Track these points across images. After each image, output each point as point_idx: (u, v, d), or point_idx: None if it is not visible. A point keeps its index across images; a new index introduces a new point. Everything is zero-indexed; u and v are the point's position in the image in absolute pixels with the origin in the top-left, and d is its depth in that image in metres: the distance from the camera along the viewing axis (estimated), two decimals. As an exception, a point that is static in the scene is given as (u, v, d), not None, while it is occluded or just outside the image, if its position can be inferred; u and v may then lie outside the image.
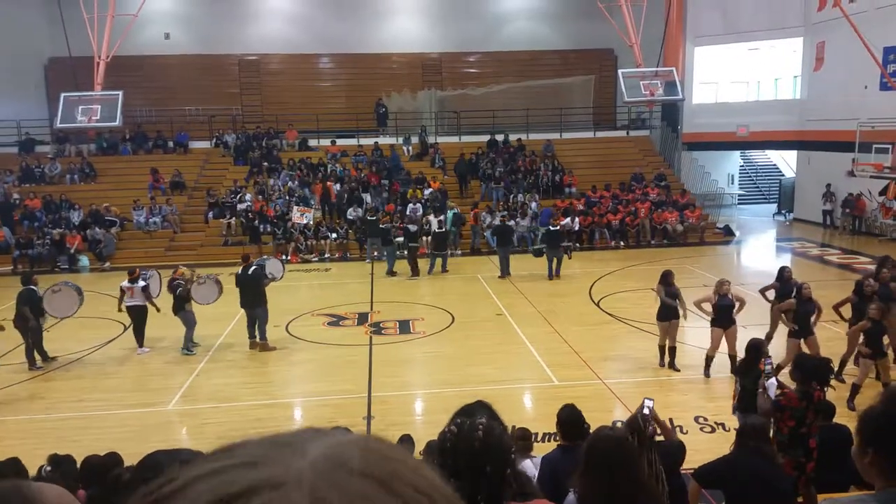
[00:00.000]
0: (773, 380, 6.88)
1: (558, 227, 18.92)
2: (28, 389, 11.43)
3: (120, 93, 21.54)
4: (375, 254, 21.03)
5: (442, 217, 20.32)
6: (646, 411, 6.00)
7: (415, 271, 18.97)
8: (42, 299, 12.41)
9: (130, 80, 26.02)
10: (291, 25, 30.78)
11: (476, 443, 2.04)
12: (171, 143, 27.57)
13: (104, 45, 21.87)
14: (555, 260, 18.42)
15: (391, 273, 19.39)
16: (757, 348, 7.70)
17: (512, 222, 21.86)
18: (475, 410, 2.48)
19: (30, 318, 12.03)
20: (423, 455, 6.29)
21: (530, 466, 5.49)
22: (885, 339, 9.87)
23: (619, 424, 6.82)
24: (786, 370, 8.28)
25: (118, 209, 23.31)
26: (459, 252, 21.89)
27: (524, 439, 6.03)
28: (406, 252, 19.36)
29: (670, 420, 8.57)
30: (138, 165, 26.35)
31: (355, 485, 0.59)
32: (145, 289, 12.97)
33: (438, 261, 19.43)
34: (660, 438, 6.13)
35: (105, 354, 13.19)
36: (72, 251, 21.47)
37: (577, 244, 23.09)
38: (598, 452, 3.07)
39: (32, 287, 12.32)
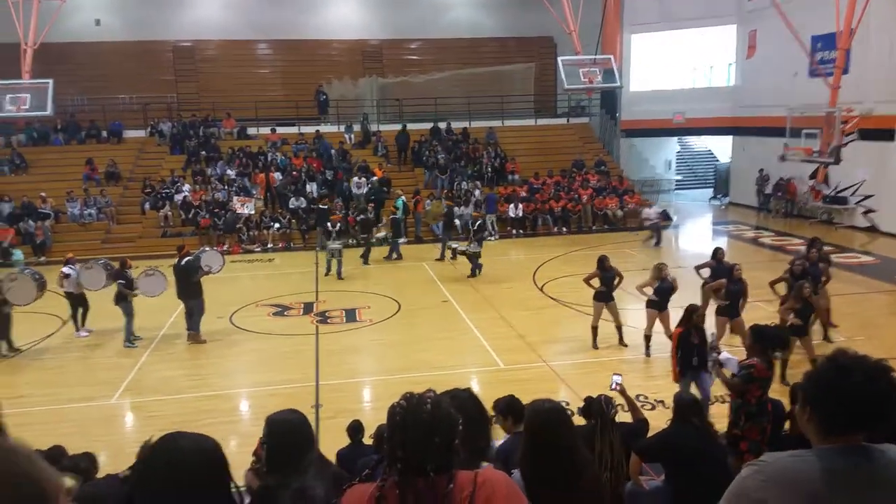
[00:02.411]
0: (725, 353, 7.16)
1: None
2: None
3: (50, 81, 20.83)
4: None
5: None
6: (614, 386, 6.20)
7: (367, 260, 19.07)
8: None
9: (61, 68, 25.14)
10: (227, 11, 30.16)
11: (424, 415, 2.12)
12: (104, 133, 26.76)
13: (31, 32, 21.10)
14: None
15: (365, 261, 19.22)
16: (694, 311, 8.49)
17: (456, 209, 21.98)
18: (460, 394, 2.61)
19: None
20: (374, 438, 6.37)
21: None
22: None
23: (575, 411, 7.02)
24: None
25: (53, 201, 22.57)
26: (405, 240, 21.93)
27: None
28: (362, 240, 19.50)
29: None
30: (71, 156, 25.51)
31: None
32: (66, 276, 13.20)
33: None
34: (626, 417, 6.35)
35: (44, 349, 12.85)
36: (5, 245, 20.70)
37: (521, 230, 23.42)
38: (535, 423, 3.19)
39: None
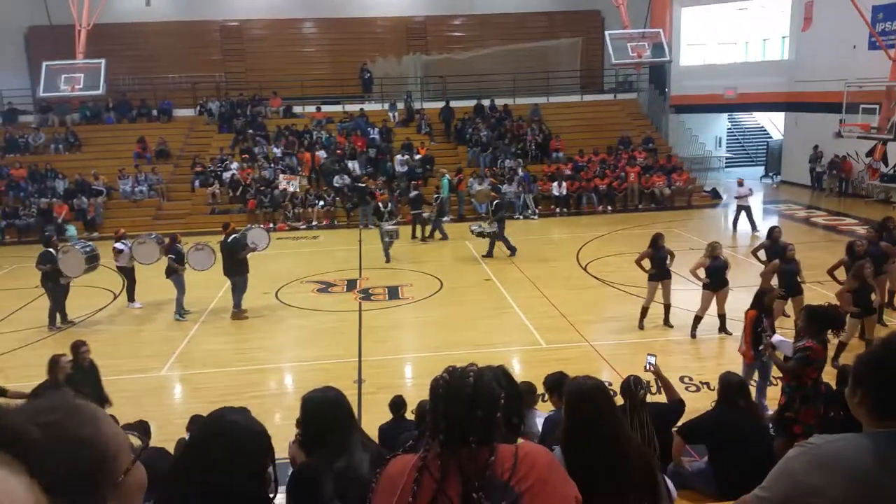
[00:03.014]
0: (777, 336, 6.99)
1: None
2: (20, 357, 11.46)
3: (102, 61, 21.22)
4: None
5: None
6: (648, 367, 6.14)
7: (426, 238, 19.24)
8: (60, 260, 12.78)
9: (112, 49, 25.61)
10: (273, -10, 30.28)
11: (468, 388, 2.12)
12: (154, 112, 27.29)
13: (84, 13, 21.50)
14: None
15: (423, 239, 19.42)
16: (765, 293, 8.31)
17: (502, 187, 21.90)
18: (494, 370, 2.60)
19: (49, 278, 12.66)
20: (415, 414, 6.42)
21: (535, 421, 5.67)
22: (874, 297, 9.99)
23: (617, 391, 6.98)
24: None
25: (105, 178, 23.17)
26: (448, 218, 21.92)
27: (530, 393, 6.14)
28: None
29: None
30: (122, 134, 26.10)
31: None
32: (119, 252, 13.67)
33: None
34: (659, 398, 6.28)
35: (97, 321, 13.26)
36: (59, 220, 21.35)
37: (565, 209, 23.21)
38: (576, 400, 3.15)
39: (50, 250, 12.78)
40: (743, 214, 19.48)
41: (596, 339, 11.27)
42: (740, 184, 20.08)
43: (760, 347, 7.21)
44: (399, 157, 24.19)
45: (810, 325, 6.31)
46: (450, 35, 31.72)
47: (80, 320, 13.21)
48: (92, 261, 13.36)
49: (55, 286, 12.75)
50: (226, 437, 2.32)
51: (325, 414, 3.18)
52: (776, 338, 6.90)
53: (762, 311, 8.07)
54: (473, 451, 2.10)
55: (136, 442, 1.29)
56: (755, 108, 31.16)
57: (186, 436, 6.04)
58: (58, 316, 12.90)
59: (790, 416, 6.15)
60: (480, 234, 17.41)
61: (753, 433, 5.27)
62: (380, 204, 18.41)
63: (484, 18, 31.40)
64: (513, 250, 17.09)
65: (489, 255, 17.10)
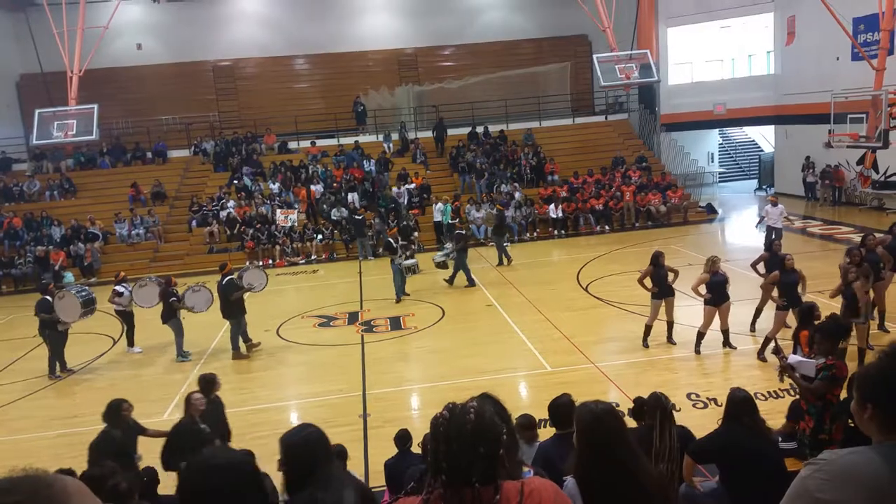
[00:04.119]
0: (794, 356, 6.79)
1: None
2: (20, 409, 11.37)
3: (95, 106, 21.35)
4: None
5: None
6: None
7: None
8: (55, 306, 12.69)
9: (105, 93, 25.84)
10: (264, 29, 30.63)
11: (468, 425, 2.08)
12: (149, 154, 27.40)
13: (76, 59, 21.67)
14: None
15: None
16: (812, 309, 8.16)
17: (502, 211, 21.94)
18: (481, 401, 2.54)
19: (47, 326, 12.60)
20: (421, 447, 6.36)
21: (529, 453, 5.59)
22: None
23: (626, 412, 6.98)
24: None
25: (101, 223, 23.18)
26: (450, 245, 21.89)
27: (529, 427, 6.03)
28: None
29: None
30: (118, 178, 26.20)
31: None
32: (119, 294, 13.63)
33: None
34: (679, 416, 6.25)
35: (96, 368, 13.17)
36: (56, 268, 21.32)
37: (562, 231, 23.25)
38: (588, 427, 3.12)
39: (47, 297, 12.72)
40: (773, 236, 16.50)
41: (601, 360, 11.20)
42: (774, 203, 17.25)
43: (776, 369, 7.01)
44: (395, 189, 24.26)
45: (828, 341, 6.22)
46: (441, 65, 32.06)
47: (79, 367, 13.12)
48: (88, 304, 13.22)
49: (53, 333, 12.66)
50: (207, 477, 2.26)
51: (302, 455, 3.08)
52: (794, 358, 6.68)
53: (814, 329, 7.55)
54: (477, 492, 2.05)
55: None
56: (745, 122, 31.35)
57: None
58: (57, 364, 12.80)
59: (825, 438, 6.03)
60: (440, 265, 17.28)
61: (763, 450, 5.22)
62: (391, 239, 16.90)
63: (473, 48, 31.75)
64: (471, 282, 16.88)
65: (450, 281, 17.09)
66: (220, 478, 2.23)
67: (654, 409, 5.21)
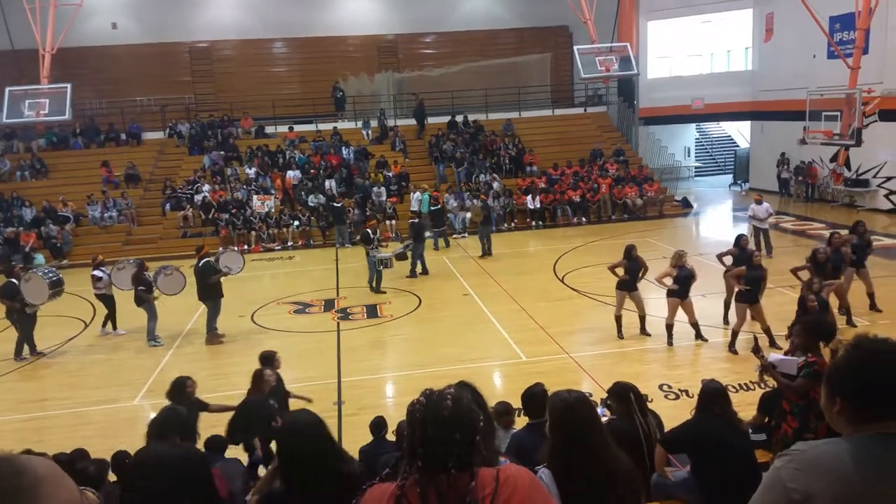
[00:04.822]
0: (774, 355, 6.74)
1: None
2: (-11, 392, 11.20)
3: (68, 85, 21.01)
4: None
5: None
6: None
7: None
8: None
9: (79, 73, 25.39)
10: (242, 10, 30.20)
11: (445, 411, 2.08)
12: (123, 136, 26.98)
13: (48, 37, 21.28)
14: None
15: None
16: None
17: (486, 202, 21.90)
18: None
19: (14, 310, 12.42)
20: (396, 435, 6.37)
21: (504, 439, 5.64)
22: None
23: (598, 402, 7.03)
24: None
25: (73, 204, 22.81)
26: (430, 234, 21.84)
27: (506, 413, 6.14)
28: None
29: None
30: (91, 159, 25.75)
31: None
32: (99, 279, 13.37)
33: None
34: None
35: (66, 351, 13.00)
36: (27, 249, 20.96)
37: (540, 222, 23.31)
38: (561, 415, 3.14)
39: (13, 280, 12.52)
40: (761, 237, 16.47)
41: (575, 351, 11.28)
42: (758, 201, 16.57)
43: (757, 369, 6.98)
44: (374, 188, 23.86)
45: (809, 339, 6.25)
46: (421, 52, 31.89)
47: (49, 351, 12.93)
48: (56, 285, 12.98)
49: (22, 316, 12.46)
50: (154, 467, 2.27)
51: (305, 447, 3.15)
52: (774, 356, 6.63)
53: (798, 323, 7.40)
54: (453, 478, 2.05)
55: (91, 497, 1.22)
56: (722, 117, 31.65)
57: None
58: (26, 347, 12.61)
59: (810, 437, 6.06)
60: (399, 257, 16.78)
61: (734, 441, 5.28)
62: (368, 230, 16.34)
63: (454, 36, 31.60)
64: (413, 273, 16.86)
65: (412, 275, 16.94)
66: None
67: (629, 390, 5.25)
